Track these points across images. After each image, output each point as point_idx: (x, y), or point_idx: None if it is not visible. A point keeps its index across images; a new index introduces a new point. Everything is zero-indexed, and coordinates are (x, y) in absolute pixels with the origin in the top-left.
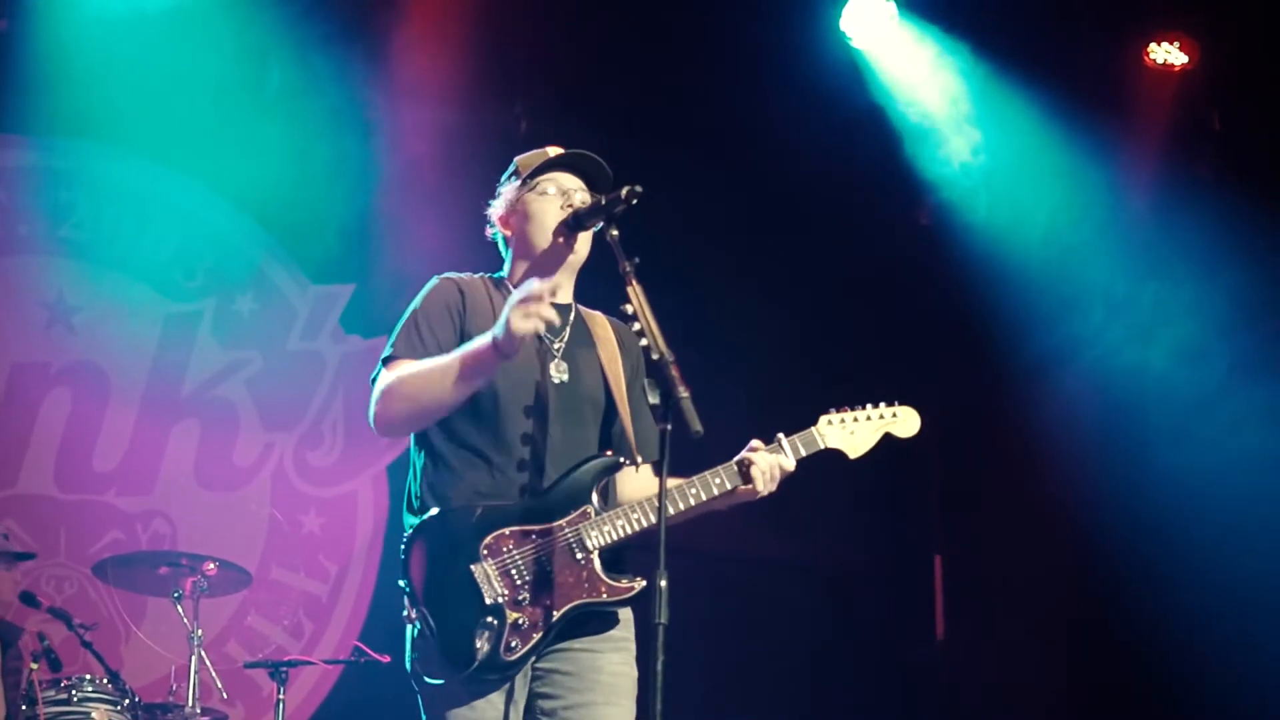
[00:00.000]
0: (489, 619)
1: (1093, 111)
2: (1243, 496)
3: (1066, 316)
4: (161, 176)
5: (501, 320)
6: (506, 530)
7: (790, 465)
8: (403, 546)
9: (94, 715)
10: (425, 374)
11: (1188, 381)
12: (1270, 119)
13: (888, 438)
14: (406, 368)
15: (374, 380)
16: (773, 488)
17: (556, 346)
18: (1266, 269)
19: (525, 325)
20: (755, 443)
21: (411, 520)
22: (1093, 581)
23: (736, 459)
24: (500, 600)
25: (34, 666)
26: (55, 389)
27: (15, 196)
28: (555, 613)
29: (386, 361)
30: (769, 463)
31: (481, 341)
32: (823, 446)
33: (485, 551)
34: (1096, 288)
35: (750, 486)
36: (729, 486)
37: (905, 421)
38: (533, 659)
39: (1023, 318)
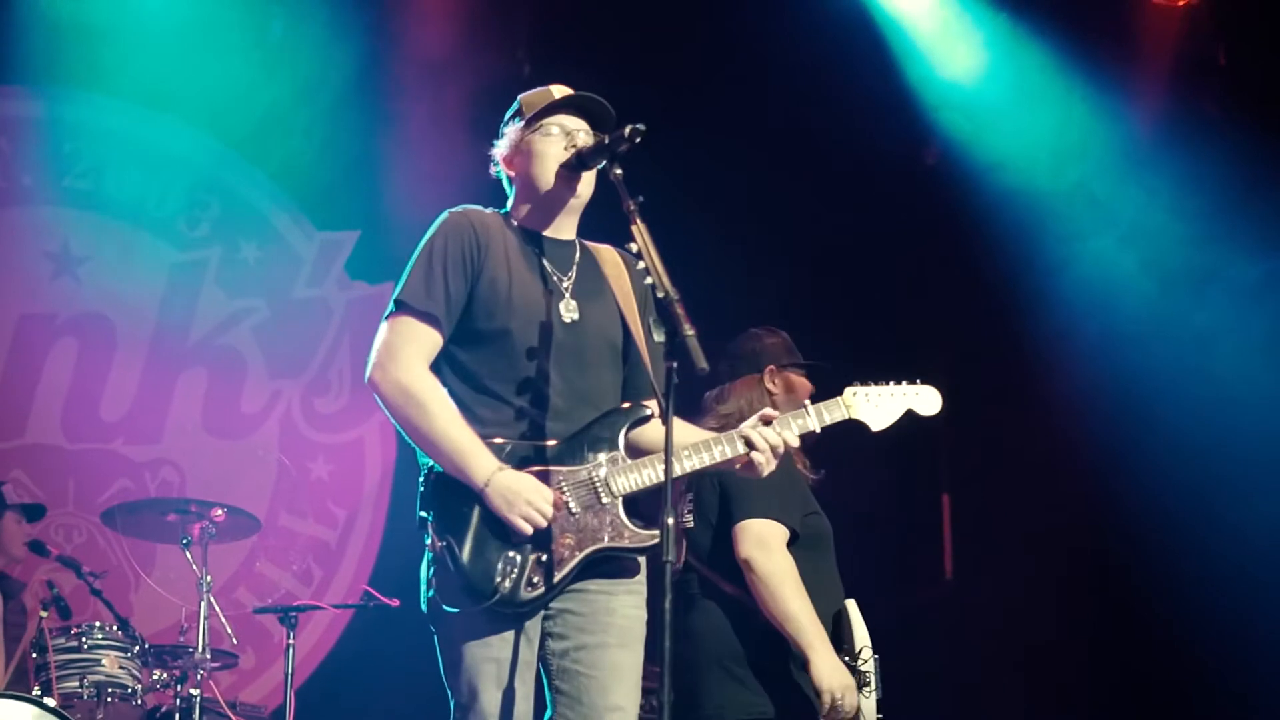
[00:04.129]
0: (512, 554)
1: (1098, 48)
2: (1252, 432)
3: (1074, 254)
4: (165, 125)
5: (506, 497)
6: (534, 469)
7: (794, 441)
8: (425, 479)
9: (104, 662)
10: (430, 424)
11: (1196, 317)
12: (1276, 53)
13: (909, 414)
14: (428, 393)
15: (385, 318)
16: (771, 466)
17: (565, 285)
18: (1272, 203)
19: (519, 521)
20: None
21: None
22: (1102, 520)
23: (741, 430)
24: (525, 537)
25: (44, 614)
26: (62, 339)
27: (20, 147)
28: (578, 554)
29: (400, 308)
30: (773, 442)
31: (479, 469)
32: (848, 417)
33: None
34: (1103, 224)
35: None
36: (729, 455)
37: (926, 400)
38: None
39: (1030, 256)
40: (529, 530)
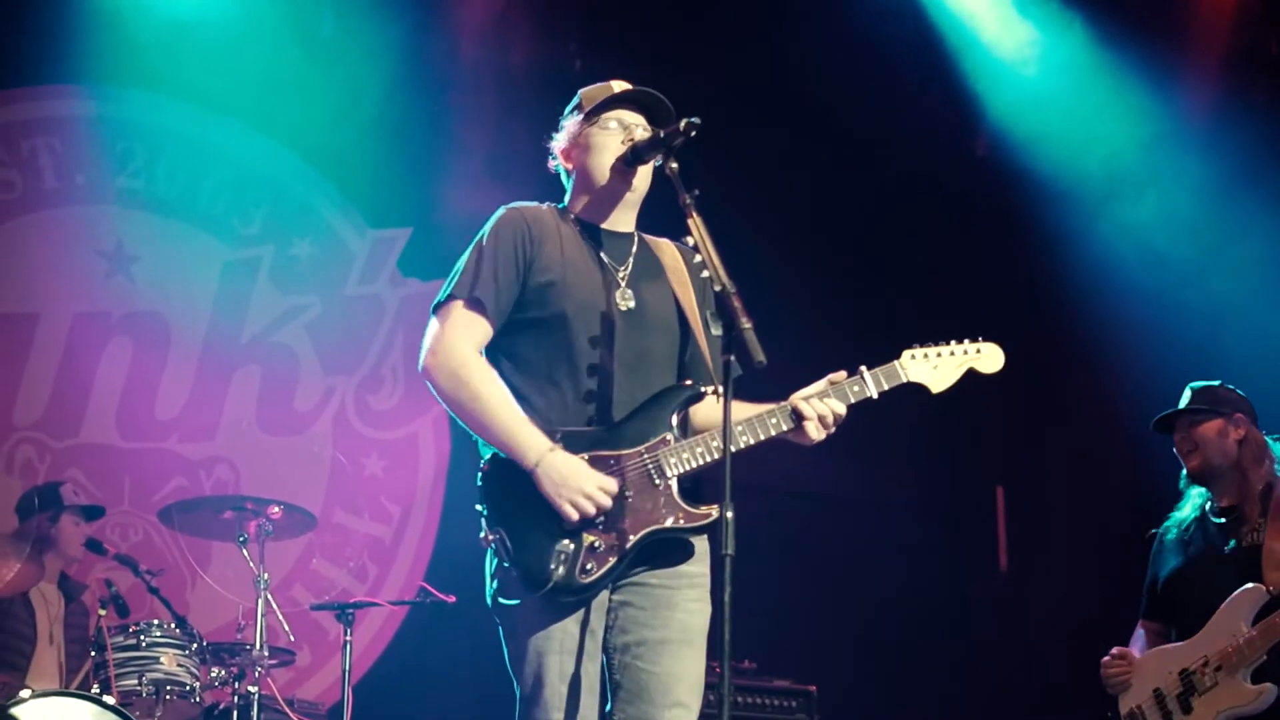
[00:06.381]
0: (565, 541)
1: (1149, 37)
2: None
3: (1127, 244)
4: (218, 124)
5: (555, 480)
6: (585, 455)
7: (841, 410)
8: (480, 473)
9: (162, 660)
10: (480, 405)
11: (1259, 309)
12: None
13: (971, 374)
14: (478, 376)
15: (434, 309)
16: (822, 436)
17: (621, 275)
18: None
19: (566, 506)
20: (836, 375)
21: (488, 450)
22: (1156, 511)
23: (790, 402)
24: (577, 524)
25: (102, 613)
26: (116, 338)
27: (73, 146)
28: (631, 537)
29: (450, 298)
30: (819, 411)
31: (531, 447)
32: (905, 380)
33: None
34: (1156, 214)
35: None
36: (784, 428)
37: (989, 357)
38: (609, 587)
39: (1082, 247)
40: (575, 517)
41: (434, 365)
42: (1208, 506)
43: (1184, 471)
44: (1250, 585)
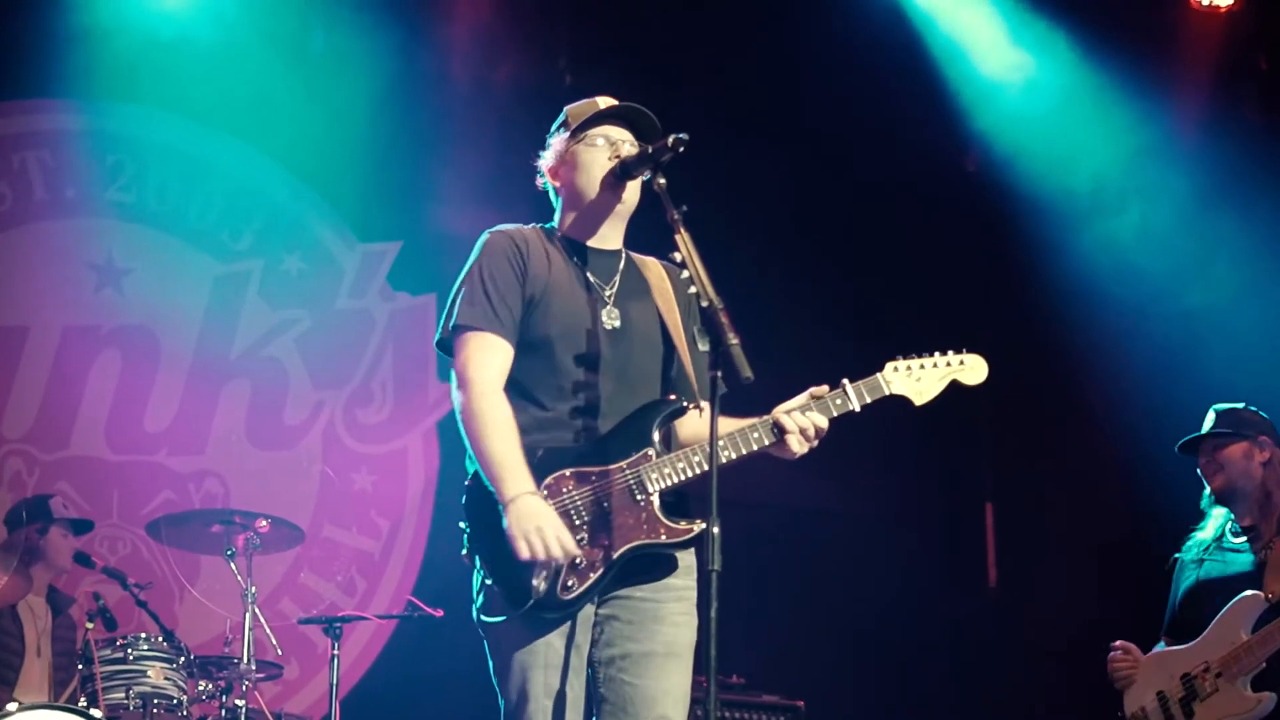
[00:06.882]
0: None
1: (1139, 54)
2: None
3: (1116, 259)
4: (208, 138)
5: (520, 517)
6: (567, 471)
7: (823, 423)
8: (464, 489)
9: (150, 673)
10: (484, 437)
11: (1244, 324)
12: None
13: (954, 385)
14: (490, 409)
15: (441, 346)
16: (804, 449)
17: (608, 294)
18: None
19: (520, 541)
20: (818, 389)
21: (472, 466)
22: (1149, 528)
23: (772, 416)
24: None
25: (90, 626)
26: (105, 351)
27: (63, 159)
28: (613, 553)
29: (463, 329)
30: (801, 424)
31: (513, 484)
32: (887, 393)
33: (545, 492)
34: (1144, 231)
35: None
36: (766, 442)
37: (973, 369)
38: (594, 602)
39: (1072, 263)
40: (525, 553)
41: (457, 399)
42: (1229, 527)
43: (1206, 492)
44: (1250, 593)
